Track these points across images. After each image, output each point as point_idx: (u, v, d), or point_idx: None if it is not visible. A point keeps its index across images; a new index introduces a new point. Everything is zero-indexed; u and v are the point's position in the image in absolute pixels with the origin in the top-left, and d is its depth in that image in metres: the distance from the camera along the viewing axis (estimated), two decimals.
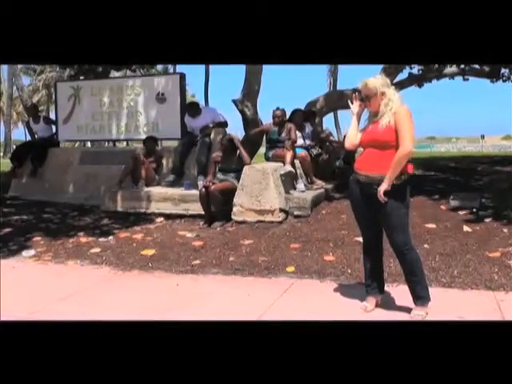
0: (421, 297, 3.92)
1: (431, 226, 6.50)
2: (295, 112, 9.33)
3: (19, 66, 33.25)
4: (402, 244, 3.86)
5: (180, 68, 40.86)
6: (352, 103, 4.11)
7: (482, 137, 61.22)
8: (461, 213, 7.12)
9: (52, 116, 12.82)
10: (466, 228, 6.35)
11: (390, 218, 3.83)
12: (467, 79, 14.95)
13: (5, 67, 44.52)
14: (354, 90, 4.06)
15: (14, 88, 38.88)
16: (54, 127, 11.39)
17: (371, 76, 3.99)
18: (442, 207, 7.50)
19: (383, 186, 3.72)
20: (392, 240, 3.91)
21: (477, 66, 14.30)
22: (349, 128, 4.20)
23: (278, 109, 8.68)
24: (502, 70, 14.36)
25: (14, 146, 19.01)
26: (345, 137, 4.35)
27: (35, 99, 42.71)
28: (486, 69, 14.22)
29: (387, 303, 4.16)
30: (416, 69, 14.40)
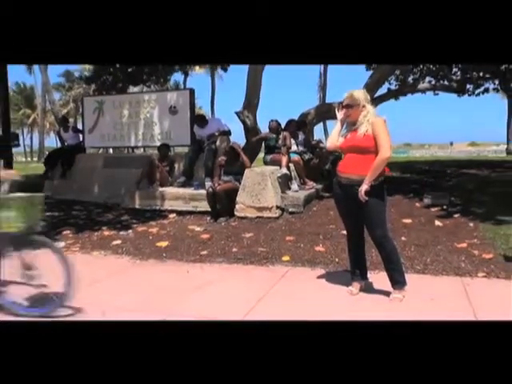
0: (398, 281, 3.92)
1: (407, 220, 6.49)
2: (290, 122, 9.34)
3: (51, 83, 33.25)
4: (380, 236, 3.86)
5: (189, 84, 40.81)
6: (338, 112, 4.10)
7: (451, 144, 61.27)
8: (433, 209, 7.12)
9: (79, 126, 12.80)
10: (437, 222, 6.34)
11: (370, 214, 3.82)
12: (437, 94, 15.00)
13: (39, 84, 44.53)
14: (340, 103, 4.04)
15: (47, 102, 38.94)
16: (81, 136, 11.40)
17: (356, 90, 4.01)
18: (417, 204, 7.50)
19: (363, 187, 3.72)
20: (372, 233, 3.90)
21: (446, 83, 14.35)
22: (332, 131, 4.21)
23: (272, 121, 8.77)
24: (468, 86, 14.42)
25: (47, 152, 18.96)
26: None
27: (65, 112, 42.70)
28: (454, 85, 14.27)
29: (370, 288, 4.15)
30: (394, 84, 14.46)
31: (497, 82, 14.81)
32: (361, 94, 3.92)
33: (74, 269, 3.57)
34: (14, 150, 14.11)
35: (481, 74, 13.66)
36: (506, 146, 29.01)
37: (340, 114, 4.07)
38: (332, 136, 4.13)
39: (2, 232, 3.57)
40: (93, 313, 3.67)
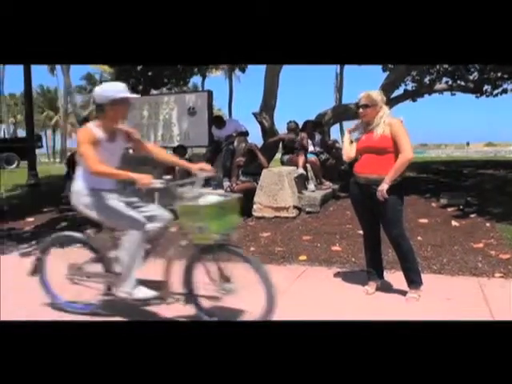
0: (414, 281, 3.90)
1: (424, 220, 6.44)
2: (306, 123, 9.35)
3: (73, 86, 33.61)
4: (397, 235, 3.85)
5: (207, 86, 40.94)
6: (351, 132, 4.14)
7: (468, 144, 60.55)
8: (449, 209, 7.06)
9: None
10: (453, 223, 6.28)
11: (387, 213, 3.81)
12: (454, 94, 14.84)
13: (61, 87, 45.07)
14: (357, 105, 4.01)
15: (69, 104, 39.40)
16: None
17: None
18: (433, 204, 7.43)
19: (384, 186, 3.70)
20: (388, 232, 3.88)
21: (463, 83, 14.19)
22: (343, 144, 4.23)
23: (291, 122, 8.76)
24: (485, 87, 14.24)
25: (69, 153, 19.18)
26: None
27: (86, 113, 43.13)
28: (471, 85, 14.11)
29: (386, 287, 4.13)
30: (410, 85, 14.36)
31: None
32: (377, 95, 3.91)
33: (273, 284, 3.27)
34: (37, 151, 14.34)
35: (499, 75, 13.49)
36: None
37: (353, 129, 4.11)
38: (345, 149, 4.15)
39: (198, 243, 3.35)
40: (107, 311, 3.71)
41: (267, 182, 7.18)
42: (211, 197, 3.41)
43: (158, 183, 3.32)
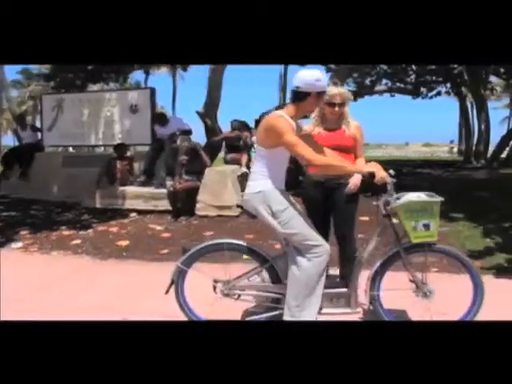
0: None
1: (364, 218, 6.58)
2: (257, 121, 9.40)
3: (8, 81, 32.34)
4: (348, 235, 3.87)
5: (150, 83, 40.23)
6: None
7: (407, 144, 62.60)
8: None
9: (38, 124, 12.49)
10: (394, 220, 6.45)
11: (344, 212, 3.82)
12: (394, 96, 15.33)
13: None
14: (330, 102, 3.85)
15: (4, 100, 37.85)
16: (39, 134, 11.12)
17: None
18: (374, 203, 7.61)
19: (358, 179, 3.77)
20: (341, 232, 3.83)
21: (402, 85, 14.69)
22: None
23: (234, 121, 8.79)
24: (421, 89, 14.80)
25: (4, 151, 18.43)
26: None
27: (23, 109, 41.60)
28: (409, 87, 14.63)
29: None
30: (351, 86, 14.73)
31: (448, 85, 15.26)
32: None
33: (484, 290, 3.14)
34: None
35: (434, 78, 14.05)
36: (457, 147, 29.93)
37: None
38: None
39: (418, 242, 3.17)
40: (51, 313, 3.60)
41: (210, 181, 7.17)
42: (412, 194, 3.35)
43: (389, 179, 3.19)
